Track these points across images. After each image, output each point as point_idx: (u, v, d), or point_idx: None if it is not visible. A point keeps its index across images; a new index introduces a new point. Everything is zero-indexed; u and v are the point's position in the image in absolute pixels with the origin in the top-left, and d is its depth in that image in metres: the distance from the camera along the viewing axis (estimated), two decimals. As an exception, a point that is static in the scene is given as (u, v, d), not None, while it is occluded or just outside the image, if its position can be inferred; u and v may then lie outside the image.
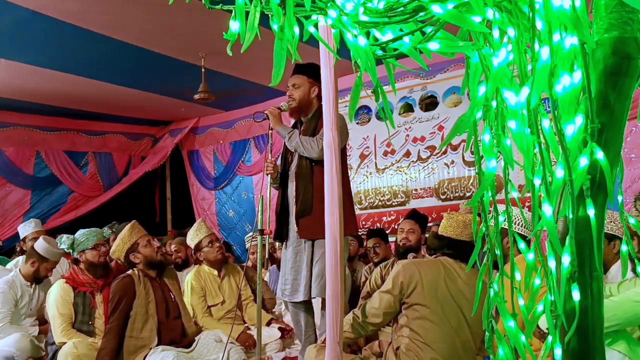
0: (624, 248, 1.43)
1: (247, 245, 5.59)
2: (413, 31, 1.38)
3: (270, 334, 4.24)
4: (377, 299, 2.88)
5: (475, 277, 2.88)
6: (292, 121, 3.73)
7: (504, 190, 1.43)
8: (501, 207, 1.50)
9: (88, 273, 3.90)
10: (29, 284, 4.28)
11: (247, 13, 1.43)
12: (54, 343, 3.74)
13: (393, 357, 2.84)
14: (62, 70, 5.79)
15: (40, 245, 4.25)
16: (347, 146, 5.67)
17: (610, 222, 2.67)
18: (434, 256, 3.02)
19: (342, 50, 1.59)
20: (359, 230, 5.34)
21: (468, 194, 5.72)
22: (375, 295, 2.95)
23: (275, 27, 1.44)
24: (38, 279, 4.29)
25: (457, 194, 5.82)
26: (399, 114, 6.21)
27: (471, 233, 2.96)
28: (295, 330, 3.69)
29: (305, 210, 3.36)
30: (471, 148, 1.75)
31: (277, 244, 5.12)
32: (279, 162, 3.65)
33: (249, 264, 5.28)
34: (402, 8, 1.31)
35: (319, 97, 3.50)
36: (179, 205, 8.51)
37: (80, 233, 3.95)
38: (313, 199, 3.32)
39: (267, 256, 3.26)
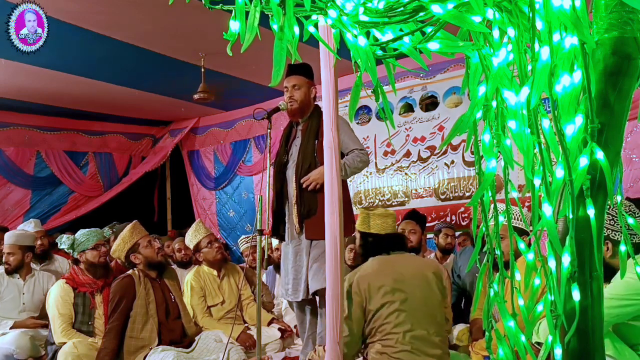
0: (622, 248, 1.43)
1: (242, 248, 5.57)
2: (413, 31, 1.38)
3: (270, 334, 4.24)
4: (346, 329, 2.70)
5: (413, 257, 2.88)
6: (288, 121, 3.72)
7: (504, 190, 1.43)
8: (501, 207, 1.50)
9: (88, 273, 3.90)
10: (18, 276, 4.45)
11: (247, 13, 1.43)
12: (54, 343, 3.74)
13: None
14: (62, 70, 5.78)
15: (7, 236, 4.54)
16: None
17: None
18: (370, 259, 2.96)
19: (342, 50, 1.59)
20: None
21: (468, 194, 5.71)
22: (344, 326, 2.83)
23: (275, 27, 1.44)
24: (18, 267, 4.45)
25: (457, 194, 5.82)
26: (399, 114, 6.20)
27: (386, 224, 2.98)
28: (300, 328, 3.70)
29: (310, 211, 3.36)
30: (471, 148, 1.75)
31: (274, 244, 5.13)
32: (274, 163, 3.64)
33: (248, 261, 5.27)
34: (402, 8, 1.31)
35: (315, 97, 3.51)
36: (179, 205, 8.50)
37: (80, 233, 3.96)
38: (318, 200, 3.31)
39: (265, 257, 3.24)
